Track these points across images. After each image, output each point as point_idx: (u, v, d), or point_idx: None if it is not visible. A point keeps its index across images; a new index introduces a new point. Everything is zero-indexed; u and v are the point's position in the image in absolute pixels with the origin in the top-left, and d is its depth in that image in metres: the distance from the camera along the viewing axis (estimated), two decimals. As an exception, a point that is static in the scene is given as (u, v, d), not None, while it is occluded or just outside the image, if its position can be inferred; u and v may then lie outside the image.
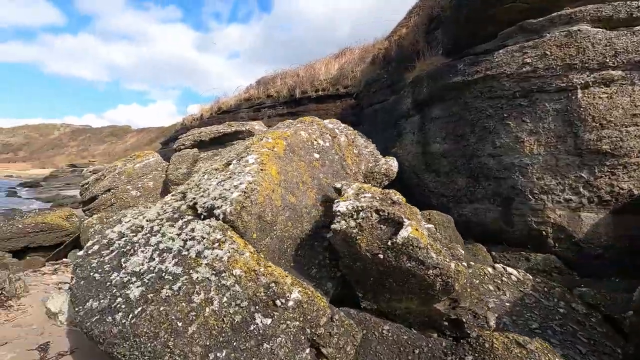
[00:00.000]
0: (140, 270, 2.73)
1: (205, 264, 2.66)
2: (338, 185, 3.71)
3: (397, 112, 6.89)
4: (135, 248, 2.99)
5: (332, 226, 3.00)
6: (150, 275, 2.64)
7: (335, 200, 3.23)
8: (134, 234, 3.17)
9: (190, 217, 3.21)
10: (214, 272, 2.60)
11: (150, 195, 9.86)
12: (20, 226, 5.02)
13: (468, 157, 5.23)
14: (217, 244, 2.79)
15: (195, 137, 9.02)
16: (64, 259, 5.54)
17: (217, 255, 2.71)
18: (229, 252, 2.72)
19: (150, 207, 4.08)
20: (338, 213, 3.02)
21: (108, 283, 2.69)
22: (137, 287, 2.55)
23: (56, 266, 5.38)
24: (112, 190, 9.70)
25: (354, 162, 4.76)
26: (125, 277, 2.69)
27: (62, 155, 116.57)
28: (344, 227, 2.91)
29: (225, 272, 2.60)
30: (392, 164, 5.23)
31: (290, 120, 4.94)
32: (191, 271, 2.61)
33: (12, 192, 24.93)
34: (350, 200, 3.11)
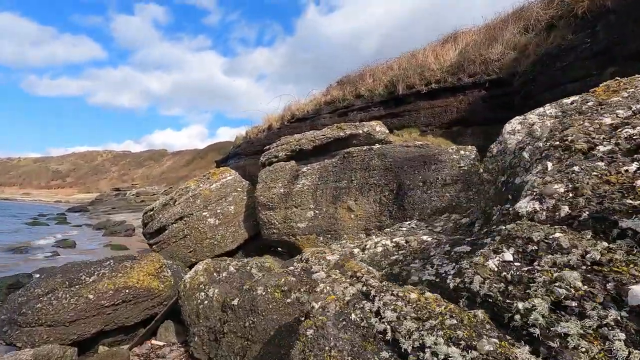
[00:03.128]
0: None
1: None
2: None
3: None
4: None
5: None
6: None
7: None
8: None
9: None
10: None
11: (231, 223, 7.81)
12: (90, 297, 2.77)
13: None
14: None
15: (292, 146, 6.90)
16: (153, 341, 3.41)
17: None
18: None
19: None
20: None
21: None
22: None
23: (146, 351, 3.27)
24: (184, 219, 7.73)
25: None
26: None
27: (105, 179, 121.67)
28: None
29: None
30: None
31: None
32: None
33: (62, 219, 24.25)
34: None
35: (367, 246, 4.22)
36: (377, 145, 6.07)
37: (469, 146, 5.57)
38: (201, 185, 7.92)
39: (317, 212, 6.32)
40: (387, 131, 6.54)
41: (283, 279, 2.82)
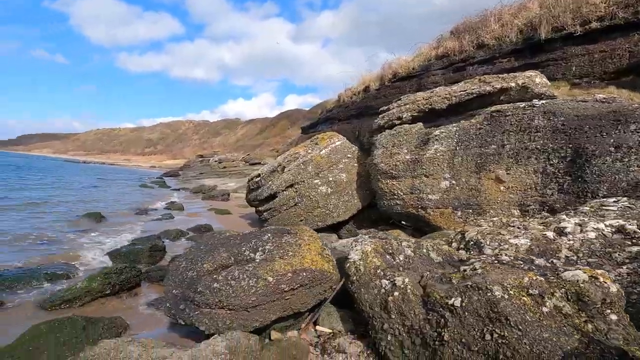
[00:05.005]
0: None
1: None
2: None
3: None
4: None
5: None
6: None
7: None
8: None
9: None
10: None
11: (343, 192, 7.30)
12: (269, 280, 2.42)
13: None
14: None
15: (420, 106, 5.96)
16: (317, 327, 3.00)
17: None
18: None
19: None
20: None
21: None
22: None
23: (315, 339, 2.88)
24: (295, 186, 7.41)
25: None
26: None
27: (188, 147, 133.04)
28: None
29: None
30: None
31: None
32: None
33: (162, 183, 26.71)
34: None
35: (567, 229, 3.27)
36: (541, 101, 4.85)
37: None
38: (311, 151, 7.46)
39: (453, 182, 5.43)
40: (549, 82, 5.22)
41: (526, 278, 2.07)
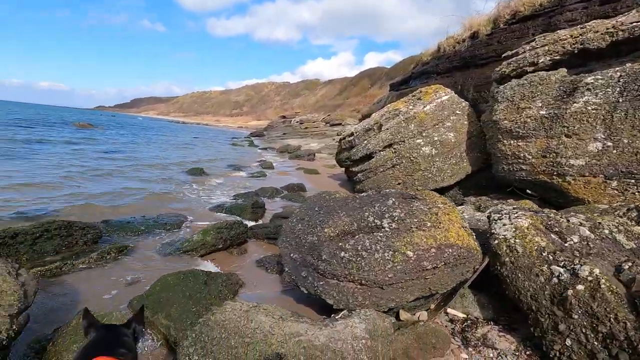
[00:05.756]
0: None
1: None
2: None
3: None
4: None
5: None
6: None
7: None
8: None
9: None
10: None
11: (450, 154, 6.48)
12: (409, 255, 2.01)
13: None
14: None
15: (566, 46, 4.72)
16: (450, 310, 2.55)
17: None
18: None
19: None
20: None
21: None
22: None
23: (448, 323, 2.45)
24: (394, 146, 6.78)
25: None
26: None
27: (270, 108, 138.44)
28: None
29: None
30: None
31: None
32: None
33: (250, 142, 28.16)
34: None
35: None
36: None
37: None
38: (413, 107, 6.68)
39: (609, 144, 4.27)
40: None
41: None
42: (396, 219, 2.34)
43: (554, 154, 4.70)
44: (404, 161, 6.56)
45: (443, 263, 2.08)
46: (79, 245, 3.58)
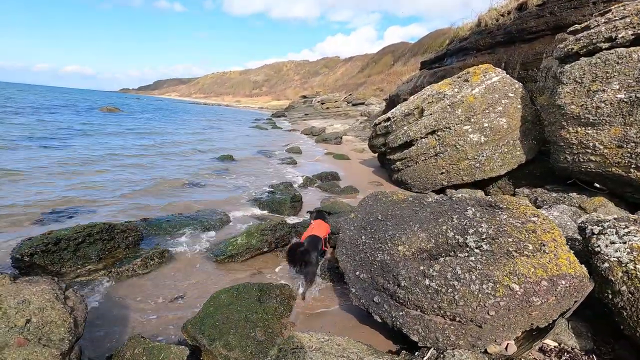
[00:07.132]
0: None
1: None
2: None
3: None
4: None
5: None
6: None
7: None
8: None
9: None
10: None
11: (501, 141, 5.94)
12: (515, 288, 1.51)
13: None
14: None
15: (654, 18, 4.03)
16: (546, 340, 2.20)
17: None
18: None
19: None
20: None
21: None
22: None
23: (538, 354, 2.14)
24: (438, 133, 6.28)
25: None
26: None
27: (290, 88, 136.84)
28: None
29: None
30: None
31: None
32: None
33: (272, 123, 27.81)
34: None
35: None
36: None
37: None
38: (459, 90, 6.12)
39: None
40: None
41: None
42: (484, 237, 1.99)
43: (633, 144, 4.14)
44: (448, 149, 6.09)
45: (554, 297, 1.74)
46: (121, 249, 3.43)
